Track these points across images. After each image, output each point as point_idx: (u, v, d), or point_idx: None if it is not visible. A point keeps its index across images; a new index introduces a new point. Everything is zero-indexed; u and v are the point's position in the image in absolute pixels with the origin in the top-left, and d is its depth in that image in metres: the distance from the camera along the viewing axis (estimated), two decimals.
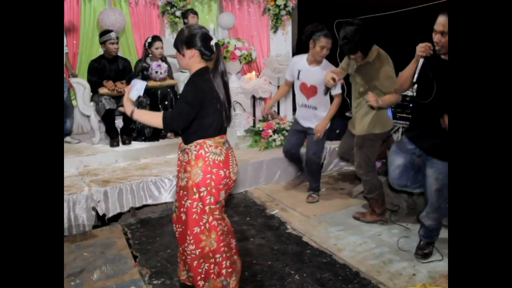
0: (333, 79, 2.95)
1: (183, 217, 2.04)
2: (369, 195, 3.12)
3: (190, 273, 2.13)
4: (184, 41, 1.93)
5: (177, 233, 2.14)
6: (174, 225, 2.15)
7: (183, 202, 2.02)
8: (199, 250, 2.04)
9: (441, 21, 2.18)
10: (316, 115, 3.45)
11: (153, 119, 1.95)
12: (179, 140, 2.18)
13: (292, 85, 3.63)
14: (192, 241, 2.02)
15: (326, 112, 3.43)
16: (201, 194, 1.97)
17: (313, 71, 3.34)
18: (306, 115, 3.50)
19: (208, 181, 1.97)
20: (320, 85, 3.33)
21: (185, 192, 2.01)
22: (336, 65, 3.27)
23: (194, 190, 1.97)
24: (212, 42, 1.95)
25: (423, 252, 2.61)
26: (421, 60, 2.27)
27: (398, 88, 2.60)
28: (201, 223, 2.01)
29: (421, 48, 2.25)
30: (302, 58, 3.44)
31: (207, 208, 2.00)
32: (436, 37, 2.22)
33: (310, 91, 3.42)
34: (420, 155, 2.54)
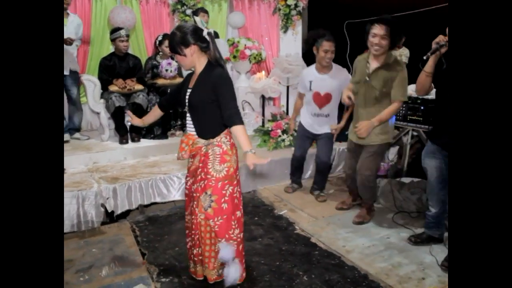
0: (349, 98, 2.88)
1: (225, 207, 2.12)
2: (370, 200, 3.15)
3: (236, 259, 2.18)
4: (180, 42, 2.02)
5: (216, 226, 2.11)
6: (210, 220, 2.10)
7: (224, 192, 2.12)
8: (242, 233, 2.22)
9: None
10: (328, 122, 3.49)
11: (243, 132, 2.09)
12: None
13: None
14: (237, 225, 2.17)
15: (335, 118, 3.50)
16: (238, 177, 2.20)
17: (324, 79, 3.38)
18: (318, 123, 3.51)
19: (240, 164, 2.22)
20: (334, 91, 3.37)
21: (226, 181, 2.12)
22: (345, 66, 3.26)
23: (234, 176, 2.16)
24: (204, 33, 2.05)
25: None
26: (434, 46, 2.33)
27: (419, 89, 2.53)
28: (240, 207, 2.22)
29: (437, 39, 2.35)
30: (311, 68, 3.48)
31: (240, 188, 2.22)
32: None
33: (324, 99, 3.44)
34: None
